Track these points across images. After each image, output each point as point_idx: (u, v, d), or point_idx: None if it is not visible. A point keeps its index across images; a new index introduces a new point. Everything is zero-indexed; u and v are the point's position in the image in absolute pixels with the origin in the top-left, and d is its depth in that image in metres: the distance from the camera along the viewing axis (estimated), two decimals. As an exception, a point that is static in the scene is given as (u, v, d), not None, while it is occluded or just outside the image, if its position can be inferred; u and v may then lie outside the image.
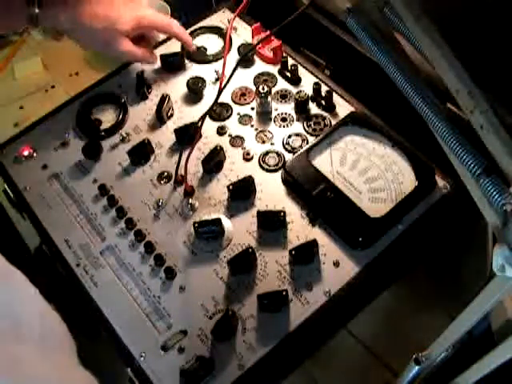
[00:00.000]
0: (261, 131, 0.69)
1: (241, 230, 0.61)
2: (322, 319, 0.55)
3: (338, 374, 0.67)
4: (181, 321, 0.56)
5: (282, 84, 0.74)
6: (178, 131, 0.69)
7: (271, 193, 0.64)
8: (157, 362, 0.54)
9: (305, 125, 0.69)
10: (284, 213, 0.60)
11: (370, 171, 0.63)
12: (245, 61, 0.75)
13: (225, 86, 0.67)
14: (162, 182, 0.67)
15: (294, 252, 0.57)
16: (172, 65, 0.77)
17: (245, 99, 0.73)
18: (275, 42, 0.75)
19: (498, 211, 0.35)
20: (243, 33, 0.80)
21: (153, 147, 0.69)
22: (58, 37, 1.09)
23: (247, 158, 0.67)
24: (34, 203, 0.67)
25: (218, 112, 0.72)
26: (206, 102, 0.73)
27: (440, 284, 0.70)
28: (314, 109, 0.70)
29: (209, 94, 0.74)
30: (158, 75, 0.77)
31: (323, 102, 0.70)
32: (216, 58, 0.77)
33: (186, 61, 0.78)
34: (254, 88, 0.73)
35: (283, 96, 0.72)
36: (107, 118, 0.73)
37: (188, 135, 0.67)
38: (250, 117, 0.71)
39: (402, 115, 0.57)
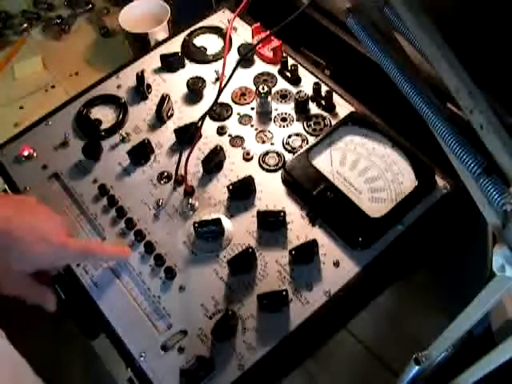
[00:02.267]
0: (261, 131, 0.69)
1: (241, 230, 0.61)
2: (322, 319, 0.55)
3: (338, 374, 0.67)
4: (181, 321, 0.56)
5: (281, 84, 0.74)
6: (178, 131, 0.69)
7: (271, 193, 0.64)
8: (157, 362, 0.54)
9: (305, 125, 0.69)
10: (284, 213, 0.60)
11: (370, 171, 0.63)
12: (245, 61, 0.75)
13: (225, 85, 0.67)
14: (162, 181, 0.67)
15: (294, 252, 0.57)
16: (172, 64, 0.77)
17: (245, 99, 0.73)
18: (275, 42, 0.75)
19: (497, 211, 0.35)
20: (243, 33, 0.80)
21: (153, 147, 0.69)
22: (58, 37, 1.09)
23: (247, 158, 0.67)
24: (33, 203, 0.67)
25: (218, 112, 0.72)
26: (206, 102, 0.73)
27: (440, 284, 0.70)
28: (314, 109, 0.70)
29: (209, 94, 0.74)
30: (158, 75, 0.77)
31: (323, 102, 0.70)
32: (216, 58, 0.77)
33: (186, 61, 0.78)
34: (254, 88, 0.73)
35: (283, 96, 0.72)
36: (107, 118, 0.73)
37: (188, 135, 0.67)
38: (250, 117, 0.71)
39: (402, 115, 0.57)
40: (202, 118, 0.67)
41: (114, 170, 0.68)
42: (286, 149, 0.67)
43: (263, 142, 0.68)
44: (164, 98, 0.71)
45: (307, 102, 0.70)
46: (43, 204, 0.58)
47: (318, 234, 0.60)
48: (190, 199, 0.64)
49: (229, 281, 0.58)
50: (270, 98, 0.70)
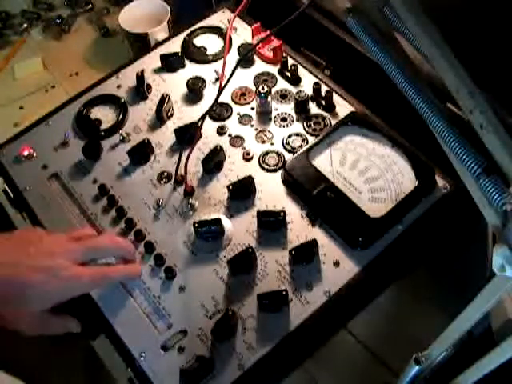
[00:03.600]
0: (261, 131, 0.69)
1: (241, 230, 0.61)
2: (321, 319, 0.55)
3: (338, 374, 0.67)
4: (181, 321, 0.56)
5: (281, 84, 0.74)
6: (178, 131, 0.69)
7: (271, 193, 0.64)
8: (157, 362, 0.54)
9: (305, 125, 0.69)
10: (284, 213, 0.60)
11: (370, 171, 0.63)
12: (245, 61, 0.75)
13: (225, 85, 0.67)
14: (162, 181, 0.67)
15: (293, 252, 0.57)
16: (172, 64, 0.77)
17: (245, 99, 0.73)
18: (275, 42, 0.75)
19: (497, 211, 0.35)
20: (243, 33, 0.80)
21: (153, 147, 0.69)
22: (58, 37, 1.09)
23: (247, 157, 0.67)
24: (34, 203, 0.67)
25: (218, 112, 0.72)
26: (206, 102, 0.73)
27: (440, 284, 0.70)
28: (313, 109, 0.70)
29: (209, 94, 0.74)
30: (158, 75, 0.77)
31: (323, 102, 0.70)
32: (216, 58, 0.77)
33: (186, 61, 0.78)
34: (253, 88, 0.73)
35: (283, 96, 0.72)
36: (107, 117, 0.73)
37: (188, 135, 0.67)
38: (250, 117, 0.71)
39: (402, 115, 0.57)
40: (202, 118, 0.67)
41: (114, 170, 0.68)
42: (286, 149, 0.67)
43: (263, 141, 0.68)
44: (164, 98, 0.71)
45: (307, 101, 0.70)
46: (42, 233, 0.56)
47: (318, 234, 0.60)
48: (190, 199, 0.64)
49: (229, 281, 0.58)
50: (270, 98, 0.70)
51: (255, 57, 0.77)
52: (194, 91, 0.74)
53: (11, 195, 0.69)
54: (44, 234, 0.56)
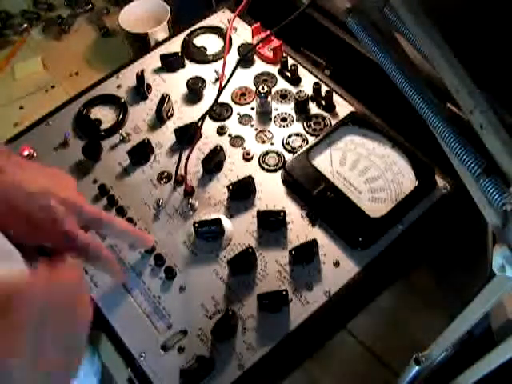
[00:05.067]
0: (261, 131, 0.69)
1: (241, 230, 0.61)
2: (321, 319, 0.55)
3: (338, 374, 0.67)
4: (181, 321, 0.56)
5: (281, 84, 0.74)
6: (178, 131, 0.69)
7: (271, 193, 0.64)
8: (157, 362, 0.54)
9: (305, 125, 0.69)
10: (284, 213, 0.60)
11: (370, 171, 0.63)
12: (245, 61, 0.75)
13: (225, 85, 0.67)
14: (162, 181, 0.67)
15: (293, 252, 0.57)
16: (172, 64, 0.77)
17: (245, 99, 0.73)
18: (275, 42, 0.75)
19: (497, 211, 0.35)
20: (243, 33, 0.80)
21: (153, 147, 0.69)
22: (58, 37, 1.09)
23: (247, 157, 0.67)
24: (34, 203, 0.67)
25: (218, 112, 0.72)
26: (206, 102, 0.73)
27: (440, 284, 0.70)
28: (313, 109, 0.70)
29: (209, 94, 0.74)
30: (158, 75, 0.77)
31: (323, 102, 0.70)
32: (216, 58, 0.77)
33: (186, 61, 0.78)
34: (253, 88, 0.73)
35: (283, 96, 0.72)
36: (107, 117, 0.73)
37: (188, 135, 0.67)
38: (250, 117, 0.71)
39: (402, 115, 0.57)
40: (202, 118, 0.67)
41: (114, 170, 0.68)
42: (286, 149, 0.67)
43: (263, 142, 0.68)
44: (164, 98, 0.71)
45: (307, 102, 0.70)
46: (70, 180, 0.52)
47: (318, 234, 0.60)
48: (190, 199, 0.64)
49: (229, 281, 0.58)
50: (270, 98, 0.70)
51: (255, 57, 0.77)
52: (194, 91, 0.74)
53: (11, 195, 0.69)
54: (71, 181, 0.52)
